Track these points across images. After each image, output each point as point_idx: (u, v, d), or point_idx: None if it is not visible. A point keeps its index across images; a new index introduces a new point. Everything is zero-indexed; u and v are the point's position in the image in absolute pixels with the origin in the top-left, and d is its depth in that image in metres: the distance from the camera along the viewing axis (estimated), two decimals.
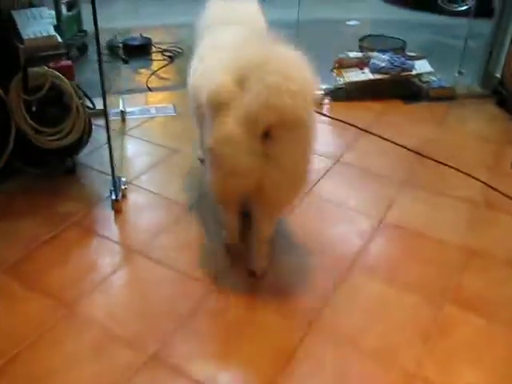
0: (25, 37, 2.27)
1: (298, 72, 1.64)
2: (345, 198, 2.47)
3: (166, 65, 4.08)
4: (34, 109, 2.27)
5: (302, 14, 3.54)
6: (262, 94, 1.59)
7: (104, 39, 4.44)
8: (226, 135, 1.68)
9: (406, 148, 2.86)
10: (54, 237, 2.17)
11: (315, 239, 2.23)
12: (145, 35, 4.42)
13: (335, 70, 3.37)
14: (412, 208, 2.43)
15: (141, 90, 3.57)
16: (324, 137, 2.99)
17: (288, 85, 1.57)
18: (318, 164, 2.68)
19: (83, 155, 2.59)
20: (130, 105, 3.22)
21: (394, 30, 4.29)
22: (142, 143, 2.88)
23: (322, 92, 3.28)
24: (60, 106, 2.31)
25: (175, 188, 2.50)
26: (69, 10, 4.00)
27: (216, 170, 1.80)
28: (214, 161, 1.79)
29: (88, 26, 4.39)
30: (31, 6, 2.54)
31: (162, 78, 3.84)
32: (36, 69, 2.24)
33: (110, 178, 2.39)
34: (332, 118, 3.13)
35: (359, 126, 3.04)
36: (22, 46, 2.25)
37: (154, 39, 4.42)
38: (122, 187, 2.38)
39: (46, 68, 2.27)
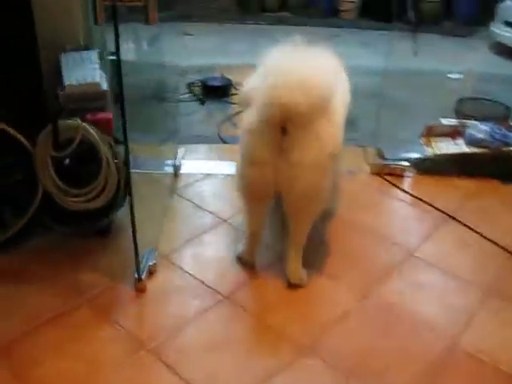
0: (66, 82, 2.08)
1: (308, 71, 1.79)
2: (412, 306, 2.01)
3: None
4: (63, 166, 2.05)
5: (396, 62, 3.16)
6: (264, 90, 1.78)
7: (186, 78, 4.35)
8: (248, 125, 1.88)
9: (497, 245, 2.35)
10: (61, 314, 1.90)
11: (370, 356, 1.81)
12: (226, 75, 4.21)
13: (423, 138, 2.92)
14: (496, 331, 1.93)
15: (210, 140, 3.32)
16: (399, 219, 2.56)
17: (287, 81, 1.73)
18: (385, 254, 2.26)
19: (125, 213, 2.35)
20: (191, 156, 2.94)
21: (501, 86, 3.77)
22: (191, 207, 2.56)
23: (406, 162, 2.85)
24: (91, 164, 2.07)
25: (216, 271, 2.15)
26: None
27: (240, 159, 1.94)
28: (239, 150, 1.94)
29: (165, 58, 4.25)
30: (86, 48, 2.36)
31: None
32: (68, 121, 2.02)
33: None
34: (412, 195, 2.67)
35: (443, 209, 2.55)
36: (61, 93, 2.06)
37: (236, 79, 4.19)
38: (151, 263, 2.10)
39: (79, 121, 2.03)
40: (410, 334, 1.90)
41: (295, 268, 2.05)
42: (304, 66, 1.81)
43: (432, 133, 2.91)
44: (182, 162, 2.83)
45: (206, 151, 3.12)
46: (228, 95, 4.06)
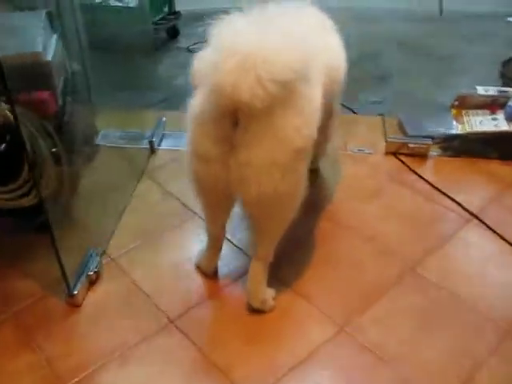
0: None
1: (270, 47, 1.30)
2: (409, 346, 1.57)
3: None
4: None
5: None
6: (208, 72, 1.34)
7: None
8: (194, 112, 1.47)
9: None
10: None
11: None
12: None
13: (453, 110, 2.37)
14: None
15: None
16: (406, 220, 2.04)
17: (237, 62, 1.26)
18: (379, 268, 1.82)
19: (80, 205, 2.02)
20: (175, 127, 2.53)
21: None
22: (160, 194, 2.18)
23: (428, 140, 2.33)
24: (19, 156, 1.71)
25: (169, 283, 1.78)
26: None
27: (187, 151, 1.55)
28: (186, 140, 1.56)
29: (181, 6, 3.80)
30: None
31: None
32: None
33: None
34: (431, 184, 2.18)
35: (469, 205, 2.05)
36: None
37: None
38: (91, 271, 1.76)
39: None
40: None
41: (256, 289, 1.66)
42: (264, 40, 1.32)
43: (465, 104, 2.35)
44: (163, 133, 2.44)
45: None
46: None
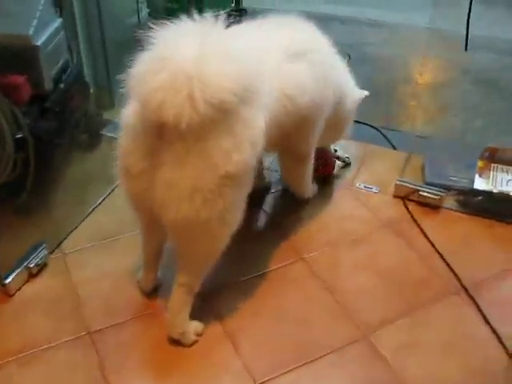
0: None
1: (214, 63, 1.22)
2: None
3: None
4: None
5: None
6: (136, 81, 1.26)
7: None
8: (125, 119, 1.38)
9: None
10: None
11: None
12: None
13: (480, 162, 2.06)
14: None
15: None
16: (387, 277, 1.78)
17: (170, 77, 1.18)
18: (331, 330, 1.61)
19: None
20: None
21: None
22: None
23: (443, 191, 2.05)
24: None
25: (105, 292, 1.70)
26: None
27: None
28: None
29: (248, 3, 3.70)
30: None
31: None
32: None
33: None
34: (431, 243, 1.88)
35: (464, 277, 1.76)
36: None
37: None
38: (32, 263, 1.73)
39: None
40: None
41: (174, 319, 1.53)
42: (203, 58, 1.21)
43: (495, 157, 2.03)
44: None
45: None
46: None
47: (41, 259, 1.75)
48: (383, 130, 2.62)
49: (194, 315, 1.58)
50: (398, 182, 2.08)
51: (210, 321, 1.62)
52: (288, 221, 2.00)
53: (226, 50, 1.27)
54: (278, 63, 1.54)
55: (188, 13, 1.32)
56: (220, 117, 1.24)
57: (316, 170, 2.12)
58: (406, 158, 2.30)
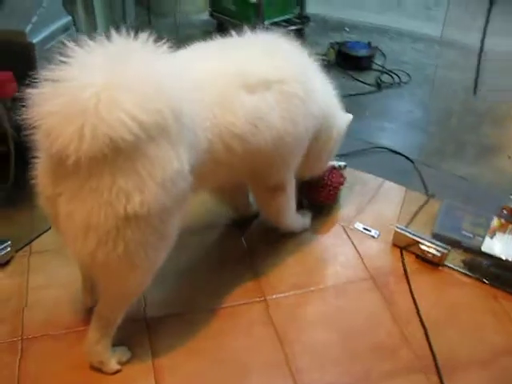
0: None
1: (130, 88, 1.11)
2: None
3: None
4: None
5: None
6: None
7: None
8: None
9: None
10: None
11: None
12: (374, 45, 3.27)
13: (497, 221, 1.76)
14: None
15: None
16: (348, 337, 1.57)
17: (67, 102, 1.09)
18: None
19: None
20: None
21: None
22: None
23: (446, 247, 1.78)
24: None
25: (51, 301, 1.67)
26: None
27: None
28: None
29: (313, 8, 3.51)
30: None
31: None
32: None
33: None
34: (417, 309, 1.63)
35: (443, 356, 1.50)
36: None
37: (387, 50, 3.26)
38: None
39: None
40: None
41: (92, 347, 1.45)
42: (111, 83, 1.10)
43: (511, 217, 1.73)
44: None
45: None
46: (367, 68, 3.18)
47: (2, 256, 1.76)
48: (420, 165, 2.36)
49: (130, 339, 1.52)
50: (397, 230, 1.84)
51: (143, 350, 1.53)
52: (264, 254, 1.84)
53: (140, 78, 1.14)
54: (229, 94, 1.38)
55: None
56: (114, 154, 1.12)
57: (312, 197, 1.94)
58: (424, 202, 2.04)
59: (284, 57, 1.55)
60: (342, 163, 2.06)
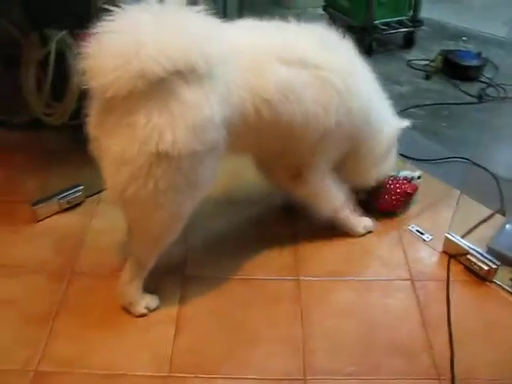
0: None
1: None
2: None
3: None
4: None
5: None
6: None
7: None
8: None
9: None
10: None
11: None
12: (486, 56, 3.10)
13: None
14: None
15: None
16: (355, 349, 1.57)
17: (108, 46, 1.23)
18: None
19: None
20: None
21: None
22: None
23: (495, 262, 1.67)
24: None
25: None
26: None
27: None
28: None
29: (427, 13, 3.40)
30: None
31: None
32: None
33: None
34: (449, 328, 1.56)
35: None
36: None
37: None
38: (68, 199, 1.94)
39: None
40: None
41: (123, 287, 1.57)
42: (168, 25, 1.24)
43: None
44: None
45: None
46: (473, 79, 3.04)
47: (73, 198, 1.95)
48: (505, 184, 2.21)
49: (162, 290, 1.64)
50: (448, 236, 1.77)
51: (171, 303, 1.63)
52: (307, 238, 1.86)
53: (182, 25, 1.25)
54: (263, 61, 1.43)
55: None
56: (149, 92, 1.22)
57: (374, 204, 1.92)
58: (488, 216, 1.93)
59: (330, 47, 1.56)
60: (417, 174, 1.98)
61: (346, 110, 1.56)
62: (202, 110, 1.29)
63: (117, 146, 1.30)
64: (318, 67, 1.50)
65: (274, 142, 1.57)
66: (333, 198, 1.77)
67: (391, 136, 1.78)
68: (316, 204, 1.76)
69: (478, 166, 2.30)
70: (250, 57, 1.42)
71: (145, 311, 1.59)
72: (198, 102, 1.28)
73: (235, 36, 1.42)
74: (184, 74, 1.24)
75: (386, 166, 1.83)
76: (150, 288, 1.61)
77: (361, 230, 1.86)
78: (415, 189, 1.97)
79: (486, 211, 1.97)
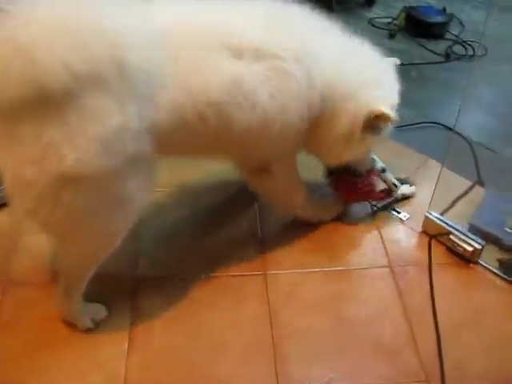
0: None
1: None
2: None
3: None
4: None
5: None
6: None
7: None
8: None
9: None
10: None
11: None
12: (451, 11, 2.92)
13: None
14: None
15: None
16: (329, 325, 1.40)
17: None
18: None
19: None
20: None
21: None
22: None
23: (479, 242, 1.53)
24: None
25: None
26: None
27: None
28: None
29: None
30: None
31: None
32: None
33: None
34: (433, 313, 1.42)
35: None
36: None
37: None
38: None
39: None
40: None
41: (61, 299, 1.36)
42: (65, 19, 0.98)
43: None
44: None
45: None
46: (439, 36, 2.86)
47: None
48: (478, 148, 2.06)
49: (111, 297, 1.44)
50: (428, 215, 1.61)
51: (123, 312, 1.43)
52: (274, 225, 1.68)
53: (83, 23, 0.99)
54: (204, 52, 1.18)
55: None
56: (42, 101, 0.97)
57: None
58: (468, 188, 1.78)
59: (290, 28, 1.30)
60: (380, 165, 1.71)
61: (310, 101, 1.33)
62: (110, 118, 1.04)
63: (11, 167, 1.05)
64: (274, 56, 1.25)
65: (228, 145, 1.35)
66: (298, 193, 1.60)
67: (356, 116, 1.40)
68: (281, 199, 1.58)
69: (451, 129, 2.14)
70: (184, 45, 1.15)
71: (90, 325, 1.38)
72: (103, 109, 1.03)
73: (161, 16, 1.15)
74: (86, 83, 0.99)
75: (356, 151, 1.50)
76: (94, 296, 1.40)
77: (328, 218, 1.68)
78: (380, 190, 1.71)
79: (464, 182, 1.82)
